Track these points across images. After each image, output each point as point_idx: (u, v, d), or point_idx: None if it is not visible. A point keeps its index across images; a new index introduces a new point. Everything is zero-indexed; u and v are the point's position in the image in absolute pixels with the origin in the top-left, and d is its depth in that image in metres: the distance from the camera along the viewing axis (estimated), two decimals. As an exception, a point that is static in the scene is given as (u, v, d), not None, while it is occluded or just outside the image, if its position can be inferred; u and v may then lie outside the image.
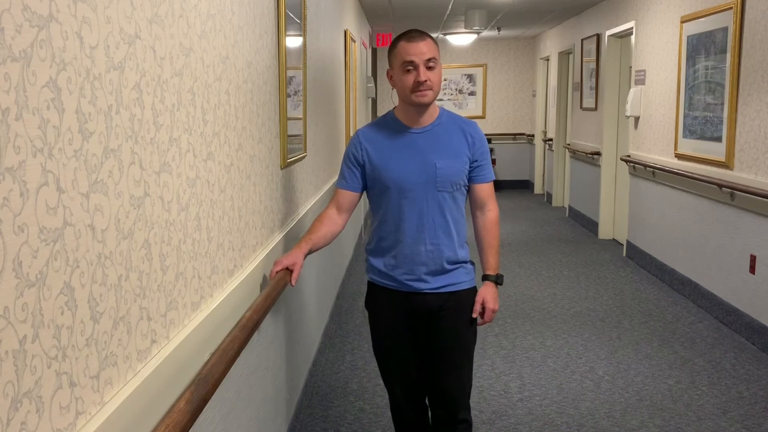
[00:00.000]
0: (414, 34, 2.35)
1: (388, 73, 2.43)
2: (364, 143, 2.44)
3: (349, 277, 6.08)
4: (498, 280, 2.51)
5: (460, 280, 2.48)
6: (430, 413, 2.61)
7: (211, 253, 1.86)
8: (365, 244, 2.66)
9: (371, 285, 2.55)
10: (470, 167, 2.45)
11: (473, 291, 2.52)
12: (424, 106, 2.39)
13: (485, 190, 2.49)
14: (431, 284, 2.43)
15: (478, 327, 2.53)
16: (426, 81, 2.31)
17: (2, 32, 0.91)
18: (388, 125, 2.46)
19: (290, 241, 2.97)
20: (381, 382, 2.91)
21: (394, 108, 2.49)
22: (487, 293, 2.47)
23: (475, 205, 2.52)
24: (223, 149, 1.97)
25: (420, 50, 2.31)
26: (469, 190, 2.50)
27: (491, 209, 2.51)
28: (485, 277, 2.51)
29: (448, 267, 2.44)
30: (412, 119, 2.42)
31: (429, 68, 2.32)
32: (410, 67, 2.31)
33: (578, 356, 4.22)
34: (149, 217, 1.41)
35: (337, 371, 4.02)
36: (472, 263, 2.56)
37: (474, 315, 2.46)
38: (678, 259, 5.63)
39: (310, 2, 3.81)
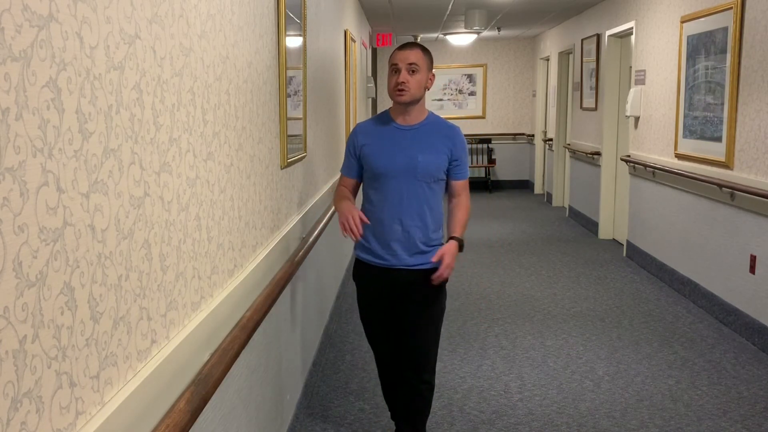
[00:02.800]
0: (406, 44, 2.75)
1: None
2: (360, 136, 2.83)
3: (349, 277, 6.08)
4: (461, 243, 2.77)
5: (429, 260, 2.77)
6: (402, 373, 2.95)
7: (211, 253, 1.86)
8: None
9: (357, 261, 2.91)
10: (449, 165, 2.80)
11: None
12: (406, 106, 2.75)
13: (461, 185, 2.86)
14: (405, 261, 2.78)
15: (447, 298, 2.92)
16: (404, 82, 2.68)
17: (2, 32, 0.91)
18: (382, 121, 2.84)
19: (290, 241, 2.97)
20: (382, 382, 3.13)
21: (390, 107, 2.85)
22: (448, 249, 2.71)
23: (451, 196, 2.89)
24: (223, 149, 1.97)
25: (405, 56, 2.70)
26: (447, 185, 2.86)
27: (464, 197, 2.86)
28: (450, 238, 2.78)
29: (421, 248, 2.77)
30: (402, 117, 2.79)
31: (411, 72, 2.70)
32: (395, 69, 2.71)
33: (578, 356, 4.22)
34: (149, 217, 1.41)
35: (337, 371, 4.02)
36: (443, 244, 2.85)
37: (434, 260, 2.70)
38: (678, 259, 5.63)
39: (310, 2, 3.81)
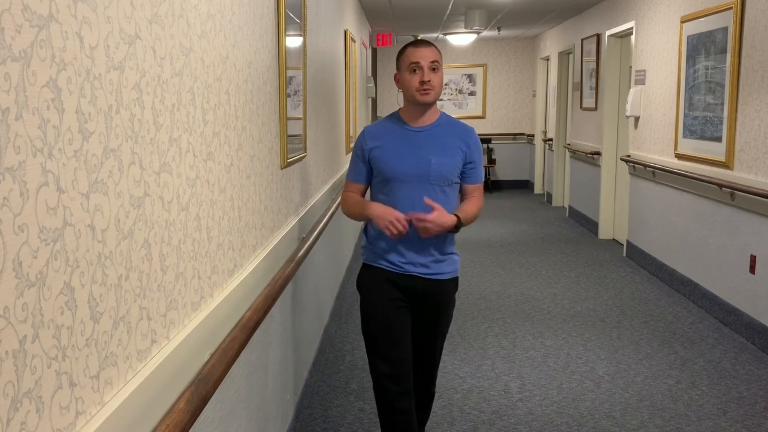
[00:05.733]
0: (420, 42, 2.64)
1: (395, 76, 2.68)
2: (369, 140, 2.69)
3: (349, 277, 6.08)
4: (458, 224, 2.58)
5: (445, 270, 2.69)
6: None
7: (211, 253, 1.86)
8: (362, 226, 2.86)
9: (364, 266, 2.74)
10: (464, 168, 2.67)
11: (455, 281, 2.76)
12: (426, 106, 2.63)
13: (473, 188, 2.73)
14: (420, 270, 2.65)
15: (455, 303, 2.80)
16: (429, 81, 2.55)
17: (2, 32, 0.91)
18: (392, 123, 2.71)
19: (290, 241, 2.97)
20: (385, 406, 2.73)
21: (399, 109, 2.74)
22: (442, 213, 2.51)
23: (464, 199, 2.75)
24: (223, 149, 1.97)
25: (425, 54, 2.58)
26: (460, 188, 2.73)
27: (477, 196, 2.74)
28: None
29: (436, 256, 2.65)
30: (414, 118, 2.66)
31: (432, 69, 2.58)
32: (416, 68, 2.57)
33: (578, 356, 4.22)
34: (149, 217, 1.41)
35: (337, 371, 4.02)
36: (457, 254, 2.77)
37: (427, 202, 2.52)
38: (678, 259, 5.63)
39: (310, 2, 3.81)
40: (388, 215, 2.51)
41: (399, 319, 2.65)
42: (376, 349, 2.65)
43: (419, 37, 11.08)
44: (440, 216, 2.51)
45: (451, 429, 3.30)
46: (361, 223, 2.83)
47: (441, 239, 2.64)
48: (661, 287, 5.78)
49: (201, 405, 1.50)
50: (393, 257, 2.64)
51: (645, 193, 6.40)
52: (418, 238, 2.60)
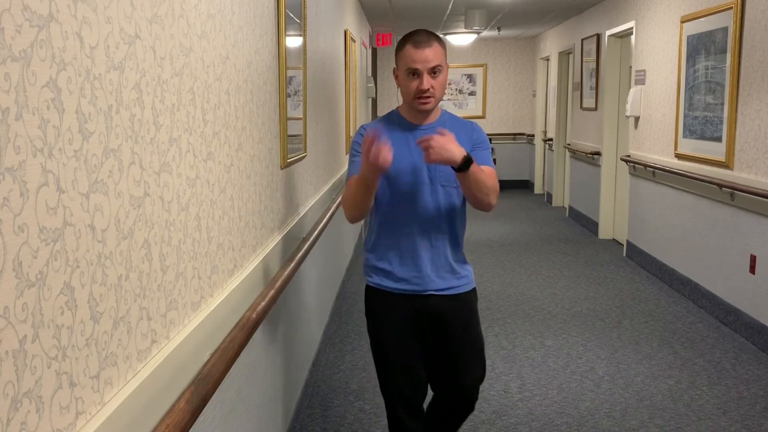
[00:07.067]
0: (421, 38, 2.33)
1: (394, 71, 2.46)
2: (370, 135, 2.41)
3: (349, 277, 6.08)
4: (468, 161, 2.23)
5: (461, 282, 2.50)
6: (444, 401, 2.57)
7: (211, 253, 1.86)
8: (364, 242, 2.65)
9: (371, 290, 2.51)
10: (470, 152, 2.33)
11: (474, 291, 2.56)
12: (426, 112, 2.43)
13: (484, 171, 2.34)
14: (436, 284, 2.43)
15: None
16: (429, 89, 2.32)
17: (2, 32, 0.91)
18: (392, 122, 2.49)
19: (291, 241, 2.97)
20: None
21: (398, 107, 2.54)
22: (449, 139, 2.21)
23: None
24: (223, 149, 1.97)
25: (425, 57, 2.31)
26: None
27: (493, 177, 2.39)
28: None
29: (451, 266, 2.45)
30: (416, 118, 2.46)
31: (433, 74, 2.33)
32: (413, 72, 2.33)
33: (578, 356, 4.22)
34: (149, 217, 1.41)
35: (337, 371, 4.02)
36: (469, 264, 2.58)
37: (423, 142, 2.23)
38: (678, 259, 5.63)
39: (310, 2, 3.80)
40: (368, 156, 2.17)
41: (412, 346, 2.49)
42: (391, 379, 2.50)
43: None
44: (448, 140, 2.18)
45: (451, 429, 3.30)
46: (362, 226, 2.68)
47: (454, 246, 2.45)
48: (661, 287, 5.78)
49: (201, 405, 1.50)
50: (403, 274, 2.42)
51: (645, 193, 6.40)
52: (430, 247, 2.41)
